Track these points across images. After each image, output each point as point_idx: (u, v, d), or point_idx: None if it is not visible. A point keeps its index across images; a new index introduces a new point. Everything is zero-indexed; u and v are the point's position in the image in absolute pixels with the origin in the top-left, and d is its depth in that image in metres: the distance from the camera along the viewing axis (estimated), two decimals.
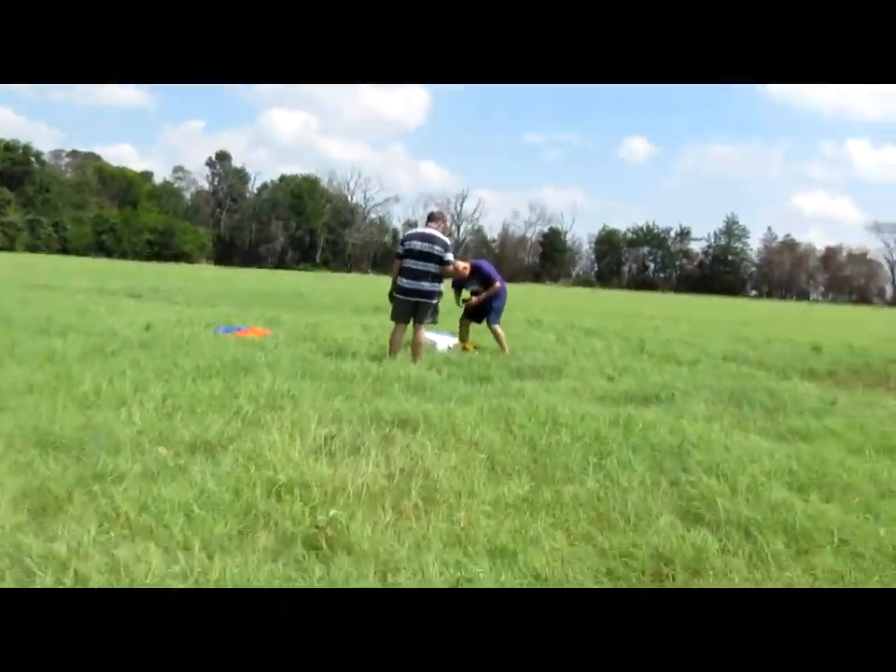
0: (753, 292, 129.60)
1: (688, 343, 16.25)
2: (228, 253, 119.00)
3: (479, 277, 12.77)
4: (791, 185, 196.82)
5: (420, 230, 11.37)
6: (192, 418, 6.54)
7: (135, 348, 10.25)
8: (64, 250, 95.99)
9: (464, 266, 12.64)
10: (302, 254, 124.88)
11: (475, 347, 12.79)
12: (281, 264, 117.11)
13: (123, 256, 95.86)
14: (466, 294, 13.00)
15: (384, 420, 6.86)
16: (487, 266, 13.05)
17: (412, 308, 11.05)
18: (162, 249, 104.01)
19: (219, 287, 28.60)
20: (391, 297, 11.29)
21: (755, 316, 35.01)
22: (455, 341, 12.84)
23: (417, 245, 10.96)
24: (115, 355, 9.68)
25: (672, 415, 7.96)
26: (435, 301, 11.18)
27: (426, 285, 10.93)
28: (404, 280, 10.95)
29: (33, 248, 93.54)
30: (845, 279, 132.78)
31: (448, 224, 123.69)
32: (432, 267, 10.93)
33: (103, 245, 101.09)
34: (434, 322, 11.56)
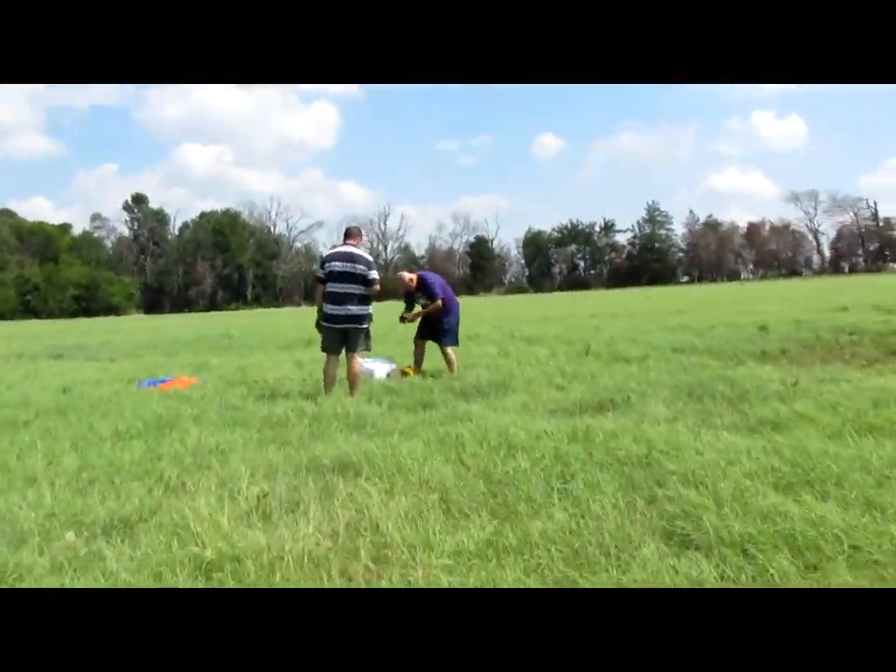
0: (685, 278, 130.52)
1: (632, 340, 15.76)
2: (157, 300, 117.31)
3: (424, 291, 12.10)
4: (704, 165, 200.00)
5: (339, 248, 10.61)
6: (110, 490, 5.92)
7: (51, 415, 9.52)
8: None
9: (410, 277, 12.06)
10: (233, 292, 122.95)
11: (416, 372, 12.12)
12: (213, 305, 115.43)
13: (50, 315, 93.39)
14: (417, 308, 12.33)
15: (323, 467, 6.29)
16: (432, 279, 12.28)
17: (341, 336, 10.37)
18: (89, 304, 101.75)
19: (145, 338, 27.48)
20: (318, 326, 10.58)
21: (690, 302, 34.84)
22: (392, 366, 12.15)
23: (338, 265, 10.27)
24: (27, 426, 8.93)
25: (632, 420, 7.46)
26: (365, 326, 10.51)
27: (353, 309, 10.26)
28: (329, 306, 10.28)
29: None
30: (771, 253, 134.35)
31: (367, 240, 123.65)
32: (357, 288, 10.26)
33: (28, 307, 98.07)
34: (367, 349, 10.87)
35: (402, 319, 12.30)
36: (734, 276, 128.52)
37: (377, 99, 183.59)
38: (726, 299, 40.82)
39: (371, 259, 10.58)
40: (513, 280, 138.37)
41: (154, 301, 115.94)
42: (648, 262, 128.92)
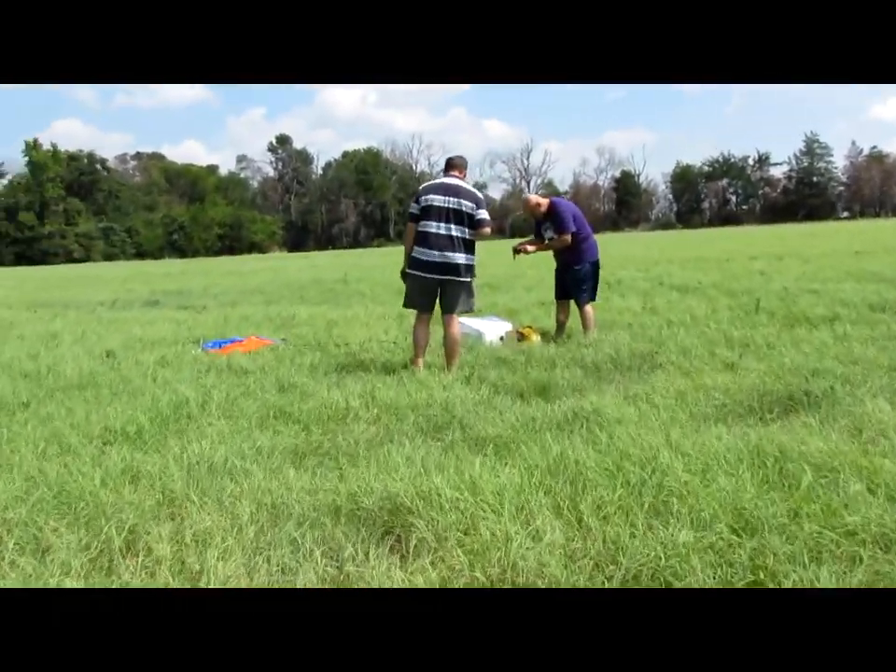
0: (844, 213, 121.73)
1: (812, 292, 12.65)
2: (301, 238, 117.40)
3: (554, 220, 9.52)
4: (866, 94, 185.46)
5: (441, 180, 8.22)
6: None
7: (63, 394, 7.38)
8: (139, 254, 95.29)
9: (537, 202, 9.57)
10: (376, 229, 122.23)
11: (538, 334, 9.51)
12: (356, 242, 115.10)
13: (196, 253, 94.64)
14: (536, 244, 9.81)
15: (355, 517, 4.05)
16: (565, 206, 9.66)
17: (435, 289, 8.12)
18: (233, 242, 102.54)
19: (258, 281, 25.61)
20: (404, 275, 8.34)
21: (867, 241, 30.13)
22: (507, 327, 9.53)
23: (438, 199, 7.95)
24: (24, 408, 6.88)
25: (847, 433, 5.03)
26: (469, 279, 8.15)
27: (454, 256, 7.95)
28: (423, 250, 7.98)
29: (109, 256, 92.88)
30: None
31: (509, 176, 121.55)
32: (461, 230, 7.95)
33: (175, 245, 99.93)
34: (470, 309, 8.42)
35: (516, 251, 9.72)
36: None
37: None
38: None
39: (480, 195, 8.25)
40: (660, 216, 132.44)
41: (298, 239, 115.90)
42: (805, 197, 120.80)
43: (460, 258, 7.93)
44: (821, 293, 12.34)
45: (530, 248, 9.60)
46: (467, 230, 7.93)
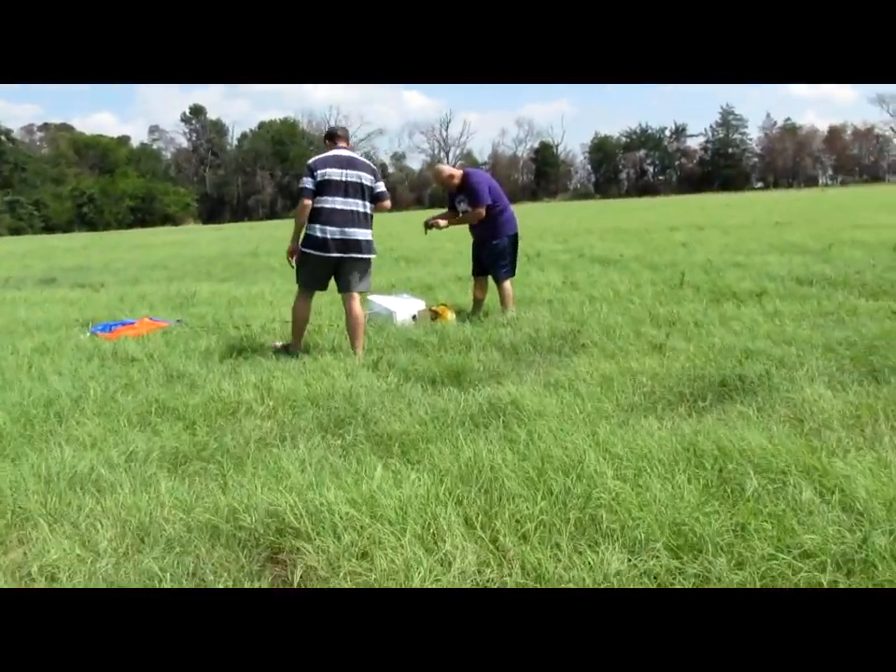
0: (759, 184, 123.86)
1: (736, 265, 12.25)
2: (217, 210, 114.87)
3: (468, 193, 8.86)
4: None
5: (334, 153, 7.54)
6: None
7: None
8: (48, 228, 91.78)
9: (450, 173, 8.98)
10: (293, 201, 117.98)
11: (453, 312, 8.93)
12: (273, 214, 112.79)
13: (107, 227, 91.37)
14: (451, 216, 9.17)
15: (235, 540, 3.53)
16: (479, 177, 9.01)
17: (332, 268, 7.56)
18: (145, 215, 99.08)
19: (163, 255, 24.26)
20: (294, 256, 7.65)
21: (785, 212, 29.92)
22: (420, 305, 8.89)
23: (336, 173, 7.34)
24: None
25: (791, 428, 4.55)
26: (371, 256, 7.69)
27: (356, 233, 7.42)
28: (323, 227, 7.32)
29: (16, 230, 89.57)
30: (852, 159, 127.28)
31: (428, 146, 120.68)
32: (362, 205, 7.47)
33: (85, 218, 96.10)
34: (367, 289, 7.93)
35: (428, 225, 9.09)
36: (811, 182, 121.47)
37: None
38: (820, 207, 36.01)
39: (376, 167, 7.88)
40: (579, 186, 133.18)
41: (213, 211, 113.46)
42: (720, 168, 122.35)
43: (361, 234, 7.42)
44: (746, 266, 11.97)
45: (442, 223, 8.98)
46: (368, 204, 7.47)
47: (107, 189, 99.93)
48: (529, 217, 38.31)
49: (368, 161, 7.67)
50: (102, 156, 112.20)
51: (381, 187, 7.57)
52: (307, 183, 7.32)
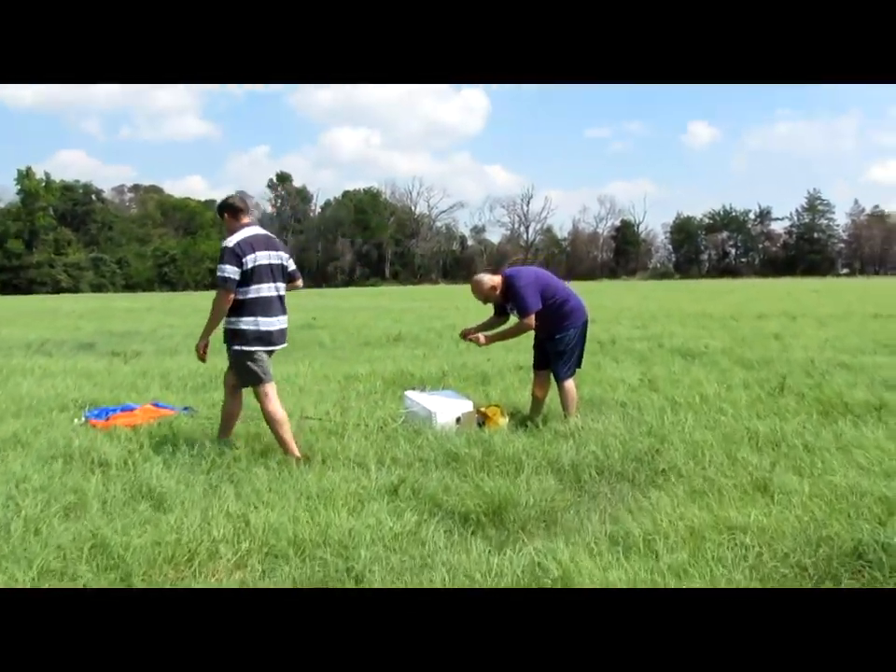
0: (844, 270, 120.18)
1: (843, 366, 10.49)
2: None
3: (512, 298, 7.36)
4: (866, 156, 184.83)
5: (254, 232, 6.56)
6: None
7: None
8: (129, 286, 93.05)
9: (492, 283, 7.42)
10: (371, 269, 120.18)
11: (506, 416, 7.40)
12: (351, 281, 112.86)
13: (186, 287, 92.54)
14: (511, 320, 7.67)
15: None
16: (523, 280, 7.34)
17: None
18: None
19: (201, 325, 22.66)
20: (204, 350, 6.76)
21: (883, 302, 27.72)
22: (466, 406, 7.34)
23: (264, 256, 6.47)
24: None
25: None
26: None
27: (286, 320, 6.75)
28: (266, 319, 6.45)
29: (97, 287, 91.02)
30: None
31: (508, 220, 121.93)
32: (283, 288, 6.71)
33: (165, 278, 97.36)
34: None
35: (464, 336, 7.70)
36: None
37: (528, 86, 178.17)
38: None
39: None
40: (658, 266, 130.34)
41: None
42: (805, 252, 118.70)
43: (285, 320, 6.68)
44: (854, 368, 10.20)
45: (482, 340, 7.54)
46: (283, 285, 6.66)
47: (189, 251, 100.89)
48: (606, 296, 36.75)
49: (275, 238, 6.76)
50: (188, 219, 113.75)
51: (293, 264, 6.77)
52: (230, 273, 6.24)
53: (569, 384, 7.33)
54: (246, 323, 6.29)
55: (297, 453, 6.27)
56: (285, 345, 6.68)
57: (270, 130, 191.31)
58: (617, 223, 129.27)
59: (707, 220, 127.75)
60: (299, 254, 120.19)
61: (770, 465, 5.59)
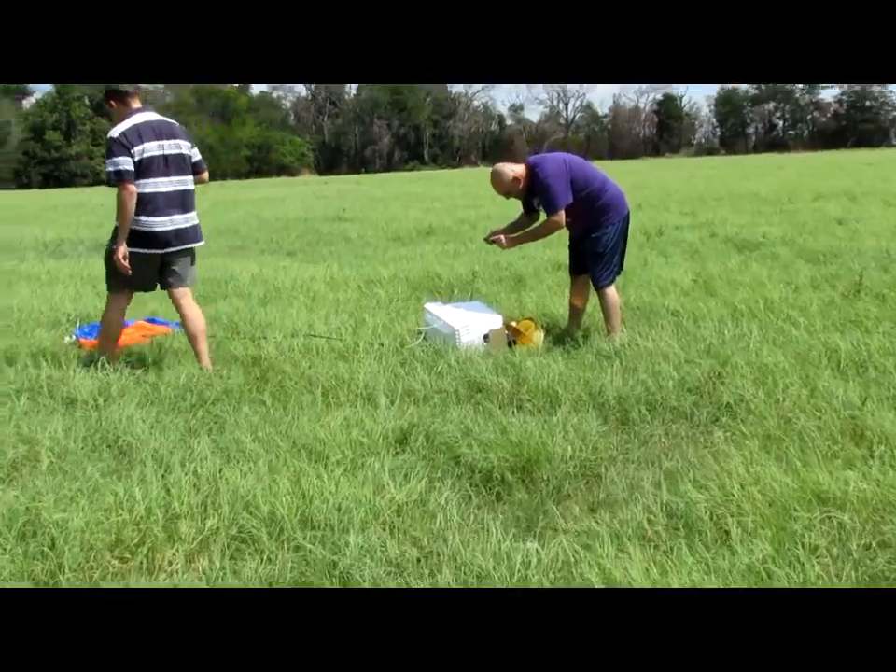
0: None
1: None
2: (335, 160, 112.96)
3: (539, 192, 6.26)
4: None
5: (143, 118, 5.69)
6: None
7: None
8: None
9: (514, 173, 6.30)
10: (410, 152, 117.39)
11: (540, 330, 6.43)
12: (390, 166, 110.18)
13: (224, 177, 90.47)
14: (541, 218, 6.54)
15: None
16: (550, 169, 6.16)
17: (157, 266, 5.90)
18: (262, 165, 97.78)
19: (243, 214, 21.82)
20: (113, 258, 5.67)
21: None
22: (495, 321, 6.33)
23: (154, 147, 5.65)
24: None
25: None
26: (200, 243, 6.15)
27: (188, 217, 5.90)
28: (151, 219, 5.64)
29: None
30: None
31: (543, 96, 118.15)
32: (189, 182, 5.91)
33: None
34: (194, 281, 6.44)
35: (490, 240, 6.59)
36: None
37: None
38: None
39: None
40: (703, 141, 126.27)
41: (331, 161, 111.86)
42: (857, 122, 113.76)
43: (192, 218, 5.92)
44: None
45: (505, 243, 6.45)
46: (191, 178, 5.89)
47: (225, 138, 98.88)
48: (650, 176, 34.96)
49: (178, 124, 5.98)
50: (222, 105, 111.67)
51: (197, 154, 5.98)
52: (123, 164, 5.46)
53: (611, 291, 6.30)
54: (133, 222, 5.53)
55: (116, 358, 5.83)
56: (193, 245, 5.95)
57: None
58: (659, 97, 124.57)
59: (752, 91, 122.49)
60: (337, 139, 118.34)
61: (860, 398, 4.58)
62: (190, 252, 5.97)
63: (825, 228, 12.51)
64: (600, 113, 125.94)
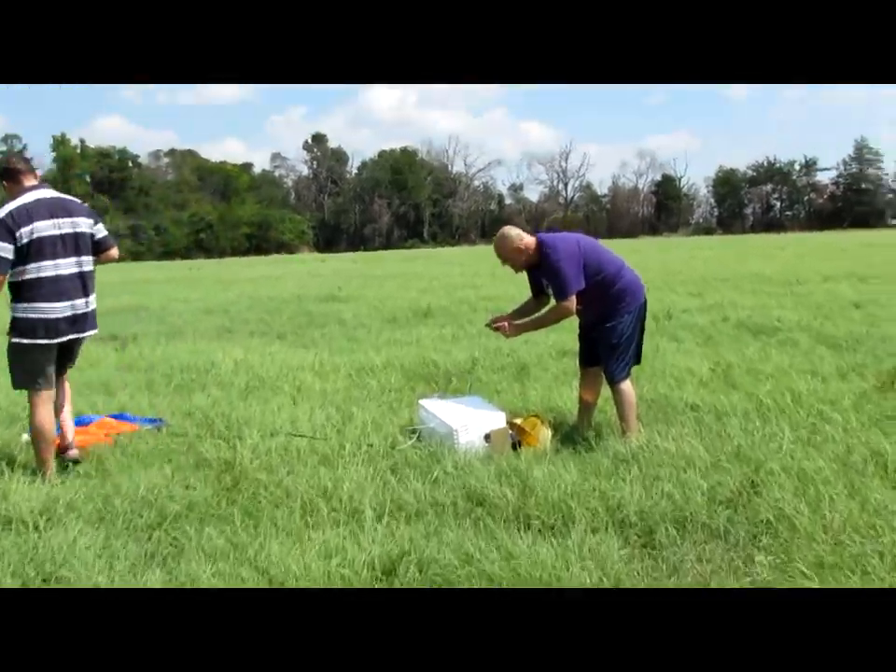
0: (894, 221, 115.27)
1: None
2: (334, 238, 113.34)
3: (546, 272, 5.65)
4: None
5: (35, 195, 5.25)
6: None
7: None
8: (167, 253, 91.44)
9: (523, 242, 5.68)
10: (409, 230, 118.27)
11: (547, 427, 5.78)
12: (389, 244, 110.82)
13: (223, 253, 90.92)
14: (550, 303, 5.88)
15: None
16: (562, 251, 5.55)
17: (60, 354, 5.43)
18: (261, 242, 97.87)
19: (236, 294, 20.98)
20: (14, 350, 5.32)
21: None
22: (497, 419, 5.67)
23: (47, 226, 5.18)
24: None
25: None
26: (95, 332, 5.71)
27: (88, 302, 5.45)
28: (45, 305, 5.16)
29: (136, 255, 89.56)
30: None
31: (543, 176, 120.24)
32: (88, 263, 5.46)
33: (202, 244, 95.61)
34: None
35: (493, 326, 5.95)
36: None
37: None
38: None
39: (87, 205, 5.73)
40: (701, 221, 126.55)
41: (330, 239, 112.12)
42: (853, 204, 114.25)
43: (91, 302, 5.45)
44: None
45: (509, 330, 5.83)
46: (90, 259, 5.43)
47: (225, 216, 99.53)
48: (650, 257, 34.38)
49: (78, 200, 5.54)
50: (224, 183, 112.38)
51: (102, 230, 5.51)
52: (2, 251, 5.00)
53: (626, 386, 5.67)
54: (23, 310, 5.08)
55: (50, 473, 5.21)
56: (89, 333, 5.45)
57: (306, 90, 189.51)
58: (658, 178, 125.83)
59: (750, 173, 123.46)
60: (336, 217, 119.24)
61: None
62: (83, 340, 5.52)
63: (841, 312, 11.92)
64: (599, 193, 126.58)
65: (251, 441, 5.65)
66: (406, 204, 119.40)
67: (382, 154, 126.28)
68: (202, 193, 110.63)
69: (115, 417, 6.56)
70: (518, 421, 5.74)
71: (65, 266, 5.20)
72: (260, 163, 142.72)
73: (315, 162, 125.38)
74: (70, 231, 5.25)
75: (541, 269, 5.64)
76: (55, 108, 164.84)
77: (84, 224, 5.36)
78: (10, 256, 5.01)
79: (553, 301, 5.73)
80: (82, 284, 5.29)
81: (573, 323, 6.00)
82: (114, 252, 5.59)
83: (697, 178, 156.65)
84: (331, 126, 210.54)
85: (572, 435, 5.69)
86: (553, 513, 4.28)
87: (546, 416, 6.11)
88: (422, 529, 4.15)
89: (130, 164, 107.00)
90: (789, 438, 5.33)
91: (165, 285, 27.61)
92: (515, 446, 5.46)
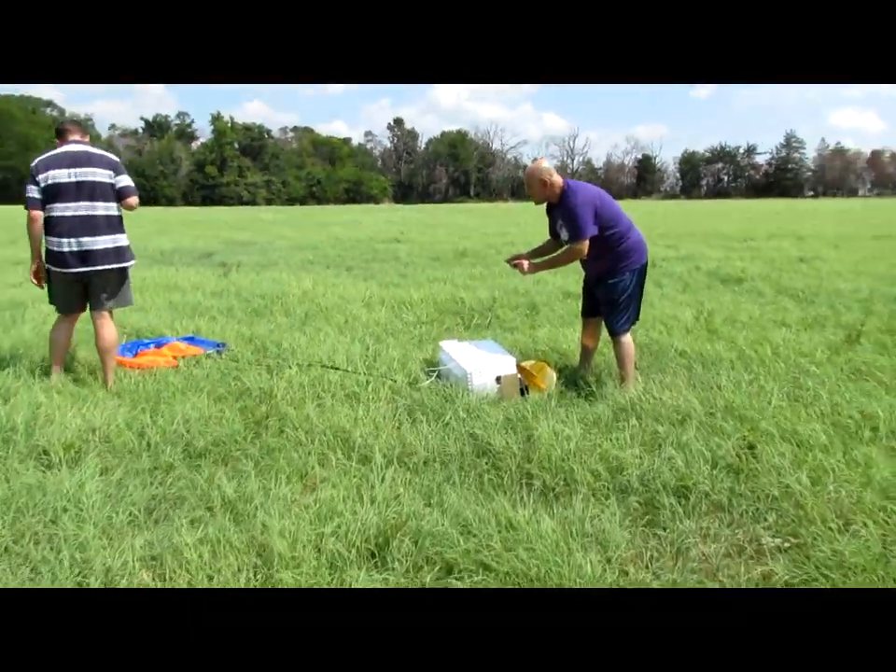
0: (809, 193, 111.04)
1: (892, 298, 7.23)
2: (407, 193, 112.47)
3: (564, 217, 4.21)
4: (822, 106, 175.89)
5: (64, 149, 4.30)
6: None
7: None
8: (290, 200, 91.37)
9: (541, 178, 4.25)
10: (460, 189, 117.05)
11: (552, 371, 4.46)
12: (446, 198, 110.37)
13: (328, 202, 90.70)
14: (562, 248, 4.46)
15: None
16: (581, 197, 4.14)
17: (79, 287, 4.38)
18: (355, 195, 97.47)
19: (326, 236, 19.07)
20: (38, 276, 4.42)
21: (877, 224, 21.86)
22: (508, 364, 4.30)
23: (62, 174, 4.20)
24: None
25: None
26: (123, 265, 4.43)
27: (98, 241, 4.28)
28: (56, 240, 4.23)
29: (269, 201, 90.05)
30: (888, 176, 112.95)
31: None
32: (104, 207, 4.30)
33: (314, 195, 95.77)
34: (127, 304, 4.59)
35: (512, 263, 4.49)
36: (851, 193, 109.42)
37: None
38: (882, 215, 28.23)
39: (116, 158, 4.47)
40: (668, 189, 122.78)
41: (405, 194, 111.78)
42: (781, 179, 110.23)
43: (103, 241, 4.32)
44: None
45: (525, 265, 4.37)
46: (110, 205, 4.33)
47: (331, 175, 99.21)
48: (634, 215, 31.84)
49: (105, 153, 4.41)
50: (331, 152, 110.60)
51: (123, 181, 4.38)
52: (31, 192, 4.20)
53: (627, 339, 4.31)
54: (47, 242, 4.27)
55: (57, 375, 4.36)
56: (107, 266, 4.32)
57: (390, 86, 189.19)
58: (639, 156, 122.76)
59: (707, 154, 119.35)
60: (409, 178, 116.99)
61: None
62: (110, 274, 4.36)
63: (791, 265, 10.26)
64: (596, 167, 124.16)
65: (289, 371, 4.42)
66: (458, 171, 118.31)
67: (443, 134, 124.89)
68: (315, 158, 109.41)
69: (185, 340, 5.37)
70: (527, 365, 4.44)
71: (75, 209, 4.19)
72: (357, 138, 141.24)
73: (395, 139, 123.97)
74: (88, 179, 4.21)
75: (560, 209, 4.26)
76: (213, 94, 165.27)
77: (101, 174, 4.26)
78: (38, 195, 4.20)
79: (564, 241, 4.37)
80: (92, 224, 4.22)
81: (577, 267, 4.62)
82: (131, 200, 4.39)
83: (668, 158, 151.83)
84: (407, 112, 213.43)
85: (574, 378, 4.38)
86: (556, 473, 3.03)
87: (551, 357, 4.82)
88: (425, 484, 2.92)
89: (265, 136, 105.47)
90: (773, 390, 3.99)
91: (280, 225, 26.26)
92: (523, 392, 4.17)
